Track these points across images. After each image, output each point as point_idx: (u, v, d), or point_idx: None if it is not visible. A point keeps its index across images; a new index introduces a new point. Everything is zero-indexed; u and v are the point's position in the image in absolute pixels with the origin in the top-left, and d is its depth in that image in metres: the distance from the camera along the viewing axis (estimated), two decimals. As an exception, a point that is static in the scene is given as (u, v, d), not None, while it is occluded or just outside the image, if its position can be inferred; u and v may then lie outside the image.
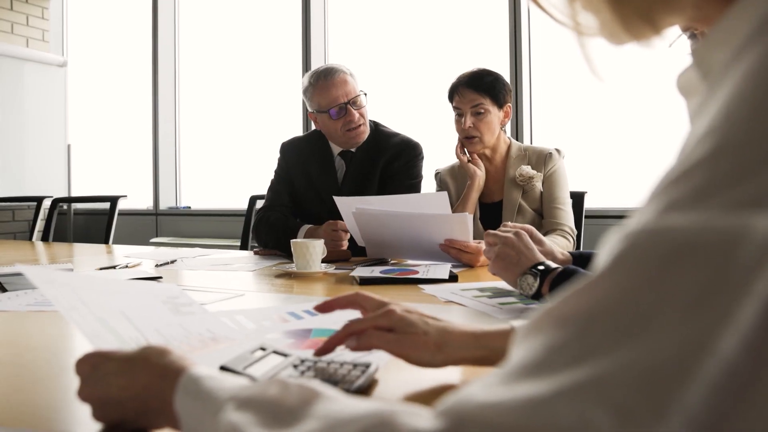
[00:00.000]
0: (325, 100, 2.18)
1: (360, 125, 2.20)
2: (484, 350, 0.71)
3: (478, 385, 0.33)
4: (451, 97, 2.15)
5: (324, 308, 0.79)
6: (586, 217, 2.36)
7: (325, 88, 2.18)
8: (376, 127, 2.33)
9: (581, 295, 0.32)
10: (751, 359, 0.27)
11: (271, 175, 2.40)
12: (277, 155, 2.42)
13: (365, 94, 2.23)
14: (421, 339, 0.70)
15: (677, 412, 0.27)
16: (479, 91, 2.08)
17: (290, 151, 2.38)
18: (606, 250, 0.33)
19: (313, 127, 2.38)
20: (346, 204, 1.88)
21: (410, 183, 2.26)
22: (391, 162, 2.26)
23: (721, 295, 0.28)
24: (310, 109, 2.29)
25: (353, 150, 2.28)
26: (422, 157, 2.32)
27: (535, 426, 0.29)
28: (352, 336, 0.71)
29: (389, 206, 1.80)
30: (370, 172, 2.26)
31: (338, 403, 0.41)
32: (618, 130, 3.33)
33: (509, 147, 2.20)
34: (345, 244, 1.98)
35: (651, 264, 0.30)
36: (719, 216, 0.29)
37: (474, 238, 1.88)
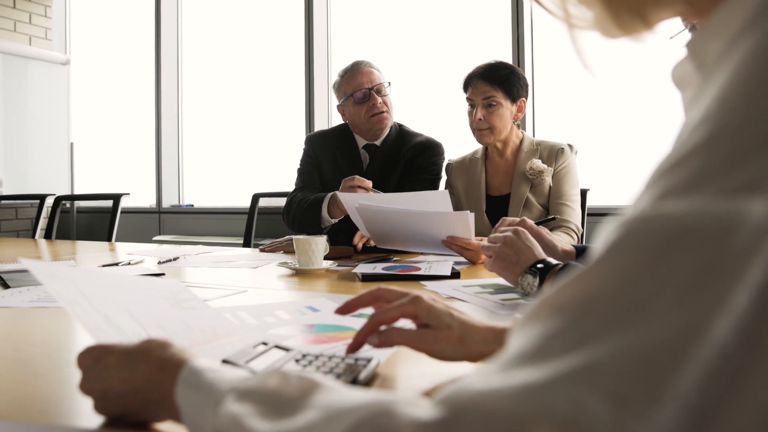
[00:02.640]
0: (350, 86, 2.33)
1: (383, 111, 2.31)
2: (502, 345, 0.70)
3: (476, 374, 0.33)
4: (465, 88, 2.16)
5: (346, 310, 0.77)
6: (588, 214, 2.36)
7: (351, 77, 2.34)
8: (400, 127, 2.44)
9: (577, 283, 0.33)
10: (745, 345, 0.27)
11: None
12: (303, 147, 2.52)
13: (389, 84, 2.35)
14: (443, 333, 0.70)
15: (671, 397, 0.27)
16: (492, 83, 2.08)
17: (318, 141, 2.47)
18: (602, 238, 0.33)
19: (332, 124, 2.44)
20: (349, 200, 1.89)
21: (430, 178, 2.34)
22: (414, 157, 2.34)
23: (715, 280, 0.28)
24: (338, 102, 2.42)
25: (377, 144, 2.37)
26: (443, 158, 2.41)
27: (531, 412, 0.29)
28: (381, 325, 0.71)
29: (391, 204, 1.81)
30: (392, 166, 2.34)
31: (337, 393, 0.41)
32: (621, 127, 3.32)
33: (521, 141, 2.19)
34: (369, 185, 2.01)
35: (646, 251, 0.30)
36: (714, 202, 0.29)
37: (480, 233, 1.89)
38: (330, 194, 2.15)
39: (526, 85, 2.15)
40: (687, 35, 0.42)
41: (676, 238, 0.30)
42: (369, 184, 1.99)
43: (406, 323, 0.72)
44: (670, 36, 0.44)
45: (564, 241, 1.94)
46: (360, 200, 1.84)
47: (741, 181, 0.29)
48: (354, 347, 0.72)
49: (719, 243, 0.28)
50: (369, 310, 0.79)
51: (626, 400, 0.28)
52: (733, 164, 0.29)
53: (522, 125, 3.40)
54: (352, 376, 0.68)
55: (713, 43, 0.37)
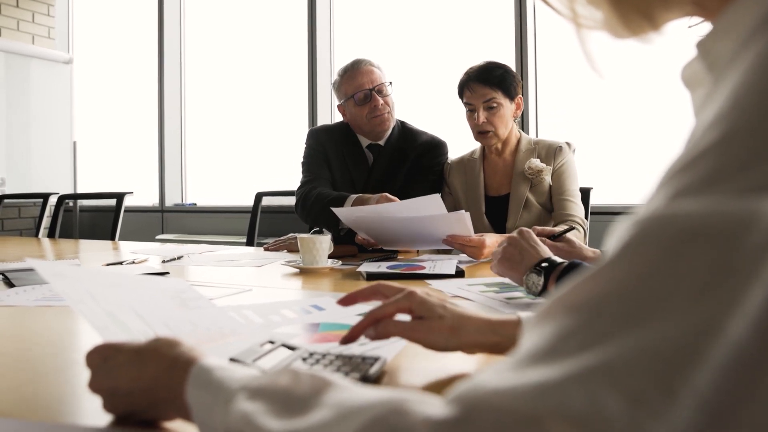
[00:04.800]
0: (351, 87, 2.27)
1: (385, 113, 2.25)
2: (497, 336, 0.72)
3: (489, 372, 0.33)
4: (461, 93, 2.13)
5: (347, 301, 0.81)
6: (591, 213, 2.35)
7: (352, 77, 2.28)
8: (402, 125, 2.39)
9: (591, 282, 0.33)
10: (760, 342, 0.27)
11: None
12: (305, 141, 2.44)
13: (390, 83, 2.29)
14: (436, 324, 0.71)
15: (687, 395, 0.27)
16: (490, 85, 2.05)
17: (325, 136, 2.41)
18: (615, 237, 0.33)
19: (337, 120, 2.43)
20: (346, 214, 1.89)
21: (434, 179, 2.29)
22: (419, 157, 2.30)
23: (730, 279, 0.28)
24: (338, 102, 2.36)
25: (381, 143, 2.32)
26: (447, 157, 2.37)
27: (545, 410, 0.29)
28: (377, 321, 0.73)
29: (386, 214, 1.81)
30: (398, 165, 2.30)
31: (349, 391, 0.41)
32: (625, 125, 3.32)
33: (519, 140, 2.18)
34: None
35: (660, 249, 0.30)
36: (728, 201, 0.29)
37: (478, 231, 1.89)
38: (355, 196, 2.09)
39: (520, 82, 2.14)
40: (703, 27, 0.42)
41: (690, 237, 0.30)
42: None
43: (403, 318, 0.74)
44: (689, 26, 0.44)
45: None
46: (356, 213, 1.85)
47: (755, 181, 0.29)
48: (348, 339, 0.75)
49: (733, 242, 0.28)
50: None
51: (642, 398, 0.28)
52: (747, 164, 0.29)
53: (525, 124, 3.41)
54: (360, 375, 0.68)
55: (723, 43, 0.37)
